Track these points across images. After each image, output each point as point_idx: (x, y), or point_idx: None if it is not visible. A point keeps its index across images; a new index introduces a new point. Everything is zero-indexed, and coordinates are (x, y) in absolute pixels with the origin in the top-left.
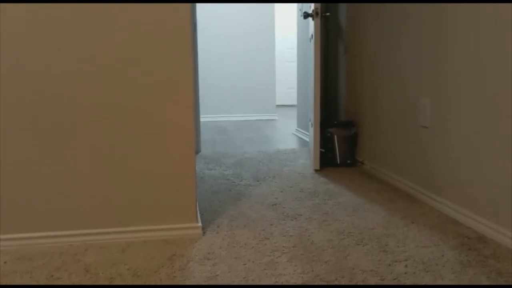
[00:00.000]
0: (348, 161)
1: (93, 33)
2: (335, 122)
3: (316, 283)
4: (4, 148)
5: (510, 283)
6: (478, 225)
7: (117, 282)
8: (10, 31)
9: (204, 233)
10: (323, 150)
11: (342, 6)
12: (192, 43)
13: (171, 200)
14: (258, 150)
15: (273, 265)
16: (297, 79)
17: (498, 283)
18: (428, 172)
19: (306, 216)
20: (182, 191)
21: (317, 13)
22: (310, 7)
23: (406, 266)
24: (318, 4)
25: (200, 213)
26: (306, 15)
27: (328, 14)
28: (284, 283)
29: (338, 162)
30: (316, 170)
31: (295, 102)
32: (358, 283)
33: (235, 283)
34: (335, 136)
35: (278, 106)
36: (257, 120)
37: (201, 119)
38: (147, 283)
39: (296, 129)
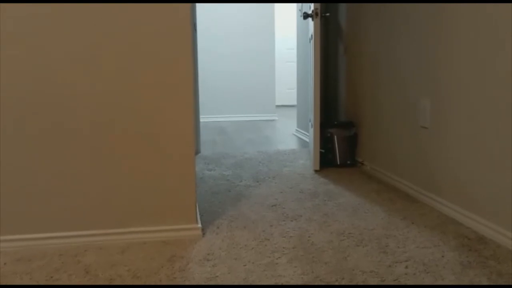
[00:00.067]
0: (348, 162)
1: (93, 33)
2: (335, 122)
3: (316, 284)
4: (4, 148)
5: (510, 284)
6: (478, 226)
7: (117, 283)
8: (10, 31)
9: (204, 234)
10: (323, 151)
11: (342, 6)
12: (192, 43)
13: (170, 201)
14: (258, 151)
15: (273, 266)
16: (297, 79)
17: (498, 285)
18: (428, 172)
19: (306, 217)
20: (182, 192)
21: (316, 14)
22: (310, 8)
23: (406, 267)
24: (318, 5)
25: (200, 214)
26: (305, 16)
27: (328, 14)
28: (284, 284)
29: (338, 163)
30: (316, 171)
31: (295, 103)
32: (359, 284)
33: (235, 284)
34: (335, 137)
35: (278, 106)
36: (257, 120)
37: (201, 120)
38: (147, 284)
39: (296, 130)
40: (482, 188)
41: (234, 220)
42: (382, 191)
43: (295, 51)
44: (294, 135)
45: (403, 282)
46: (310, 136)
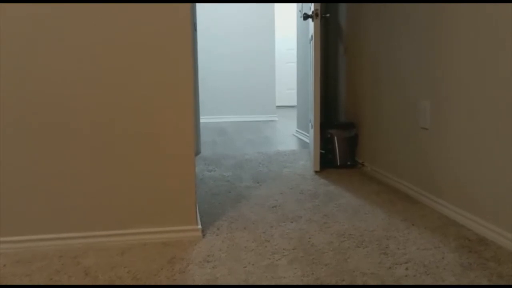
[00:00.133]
0: (348, 163)
1: (93, 33)
2: (335, 123)
3: (316, 284)
4: (4, 148)
5: (510, 285)
6: (479, 227)
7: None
8: (10, 31)
9: (204, 235)
10: (323, 152)
11: (342, 7)
12: (192, 43)
13: (170, 202)
14: (258, 152)
15: (273, 268)
16: (297, 80)
17: (499, 285)
18: (428, 173)
19: (306, 218)
20: (182, 193)
21: (316, 15)
22: (310, 8)
23: (406, 268)
24: (318, 5)
25: (200, 215)
26: (306, 17)
27: (328, 15)
28: (284, 284)
29: (338, 164)
30: (316, 172)
31: (295, 103)
32: (359, 284)
33: (235, 284)
34: (335, 138)
35: (278, 107)
36: (257, 121)
37: (201, 120)
38: (147, 284)
39: (296, 130)
40: (482, 189)
41: (234, 221)
42: (382, 192)
43: (295, 51)
44: (294, 135)
45: (403, 283)
46: (310, 137)
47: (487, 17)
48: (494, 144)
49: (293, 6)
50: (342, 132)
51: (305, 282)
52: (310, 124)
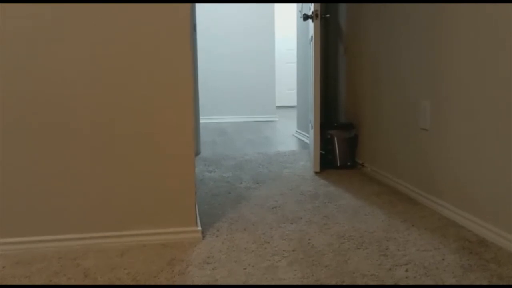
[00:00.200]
0: (348, 163)
1: (93, 33)
2: (335, 124)
3: (317, 284)
4: (4, 148)
5: (510, 285)
6: (479, 228)
7: None
8: (10, 31)
9: (203, 236)
10: (323, 152)
11: (342, 7)
12: (192, 43)
13: (170, 203)
14: (258, 152)
15: (273, 269)
16: (297, 80)
17: (499, 285)
18: (428, 174)
19: (306, 219)
20: (182, 194)
21: (316, 15)
22: (310, 8)
23: (406, 270)
24: (318, 6)
25: (199, 216)
26: (305, 17)
27: (328, 15)
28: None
29: (338, 164)
30: (316, 172)
31: (295, 103)
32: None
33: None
34: (335, 138)
35: (278, 107)
36: (257, 121)
37: (201, 121)
38: (147, 284)
39: (296, 131)
40: (482, 190)
41: (234, 223)
42: (382, 193)
43: (295, 51)
44: (294, 136)
45: (403, 285)
46: (310, 137)
47: (487, 17)
48: (494, 145)
49: (293, 6)
50: (342, 133)
51: (305, 283)
52: (310, 125)
